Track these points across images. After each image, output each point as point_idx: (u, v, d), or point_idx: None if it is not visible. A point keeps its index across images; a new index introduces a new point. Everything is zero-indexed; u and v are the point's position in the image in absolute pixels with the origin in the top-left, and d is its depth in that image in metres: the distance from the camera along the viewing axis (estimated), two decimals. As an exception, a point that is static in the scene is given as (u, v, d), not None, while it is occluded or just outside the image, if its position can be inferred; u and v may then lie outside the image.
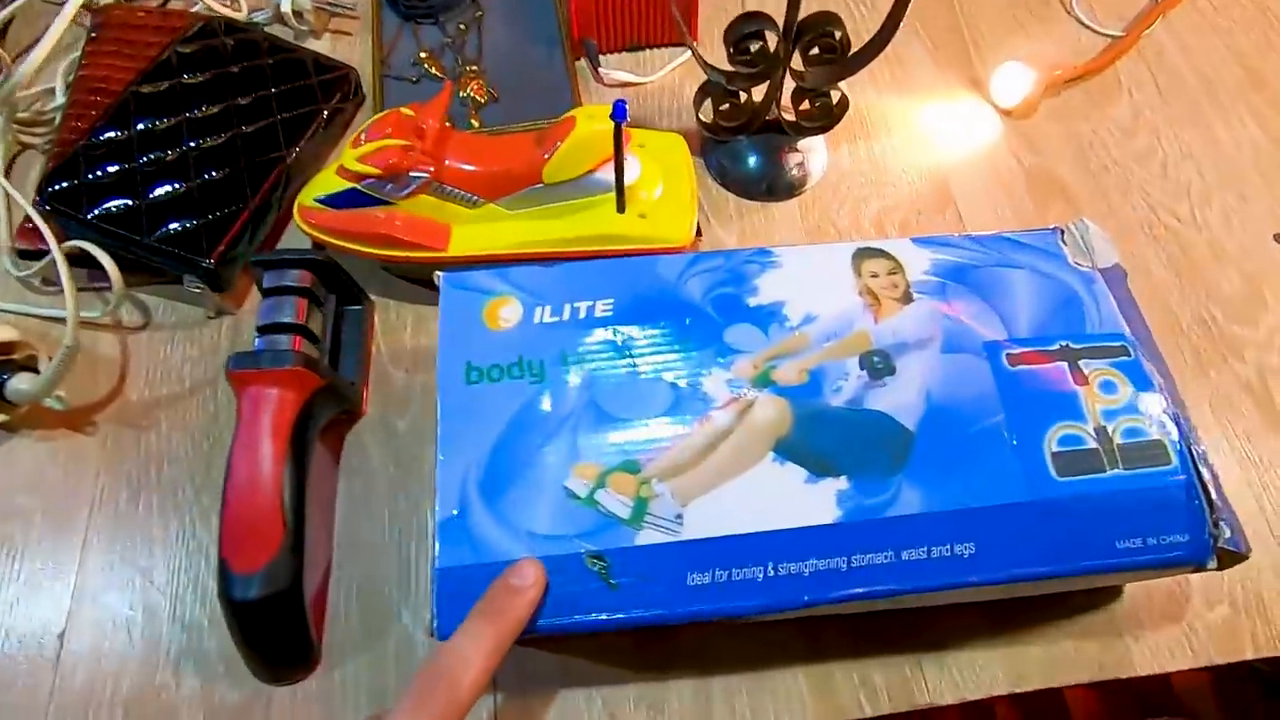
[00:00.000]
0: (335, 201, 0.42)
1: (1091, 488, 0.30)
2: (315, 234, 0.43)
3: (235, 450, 0.35)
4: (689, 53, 0.52)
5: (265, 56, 0.50)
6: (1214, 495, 0.30)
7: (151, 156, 0.44)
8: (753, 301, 0.35)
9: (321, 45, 0.55)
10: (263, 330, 0.38)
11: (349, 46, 0.56)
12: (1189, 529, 0.30)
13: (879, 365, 0.33)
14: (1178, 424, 0.32)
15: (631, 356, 0.33)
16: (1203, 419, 0.43)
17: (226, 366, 0.36)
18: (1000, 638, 0.37)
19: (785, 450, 0.31)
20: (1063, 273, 0.36)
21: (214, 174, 0.45)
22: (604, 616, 0.29)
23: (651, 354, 0.33)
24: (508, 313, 0.34)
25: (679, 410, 0.32)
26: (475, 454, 0.32)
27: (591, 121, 0.39)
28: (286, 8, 0.54)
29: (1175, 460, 0.31)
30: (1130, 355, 0.33)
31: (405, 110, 0.41)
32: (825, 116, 0.47)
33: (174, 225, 0.43)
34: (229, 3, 0.56)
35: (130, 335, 0.45)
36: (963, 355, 0.33)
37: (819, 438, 0.31)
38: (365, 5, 0.57)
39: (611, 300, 0.35)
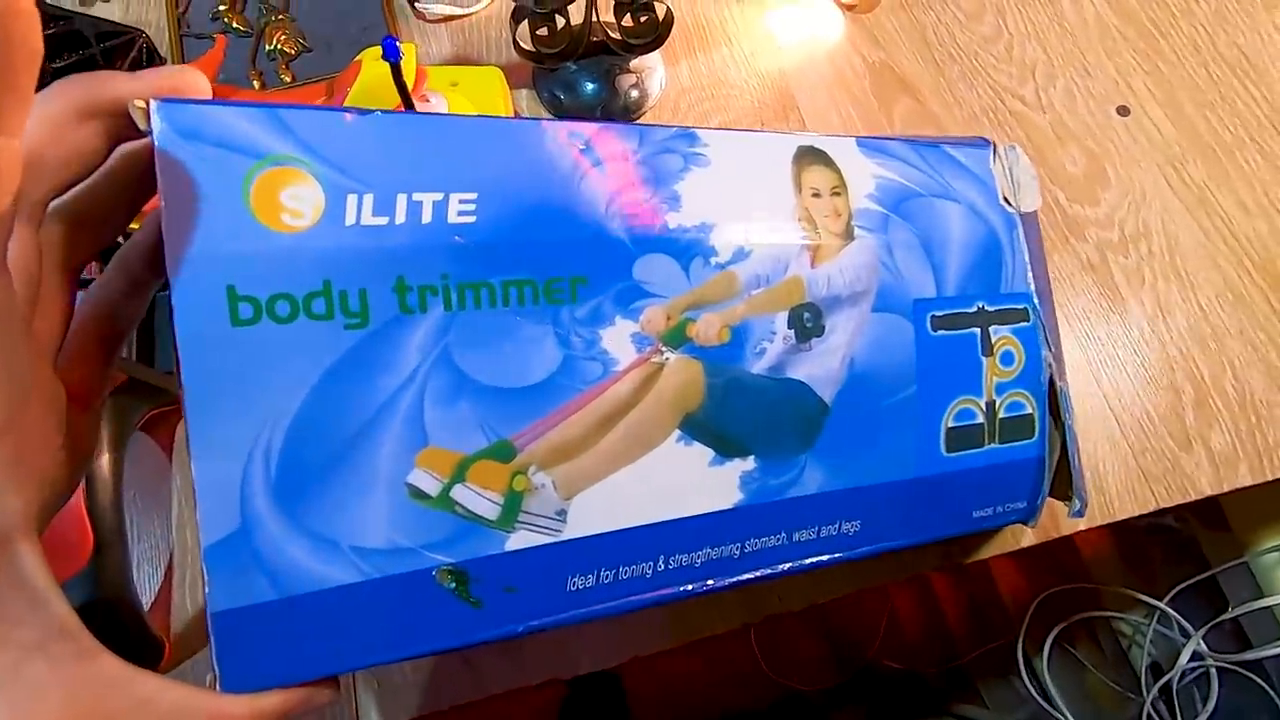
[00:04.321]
0: None
1: (970, 462, 0.30)
2: None
3: None
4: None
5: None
6: (1073, 464, 0.31)
7: None
8: (673, 220, 0.25)
9: (113, 9, 0.52)
10: None
11: (143, 5, 0.52)
12: (1028, 497, 0.32)
13: (808, 324, 0.27)
14: (1047, 394, 0.32)
15: (504, 291, 0.23)
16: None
17: None
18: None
19: (693, 428, 0.25)
20: (991, 212, 0.31)
21: None
22: (463, 640, 0.23)
23: (533, 288, 0.23)
24: (296, 197, 0.21)
25: (569, 374, 0.24)
26: (261, 440, 0.21)
27: (379, 64, 0.36)
28: None
29: (1036, 433, 0.31)
30: (1029, 320, 0.31)
31: None
32: (652, 32, 0.44)
33: None
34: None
35: None
36: (891, 315, 0.28)
37: (733, 412, 0.26)
38: None
39: (474, 195, 0.22)
